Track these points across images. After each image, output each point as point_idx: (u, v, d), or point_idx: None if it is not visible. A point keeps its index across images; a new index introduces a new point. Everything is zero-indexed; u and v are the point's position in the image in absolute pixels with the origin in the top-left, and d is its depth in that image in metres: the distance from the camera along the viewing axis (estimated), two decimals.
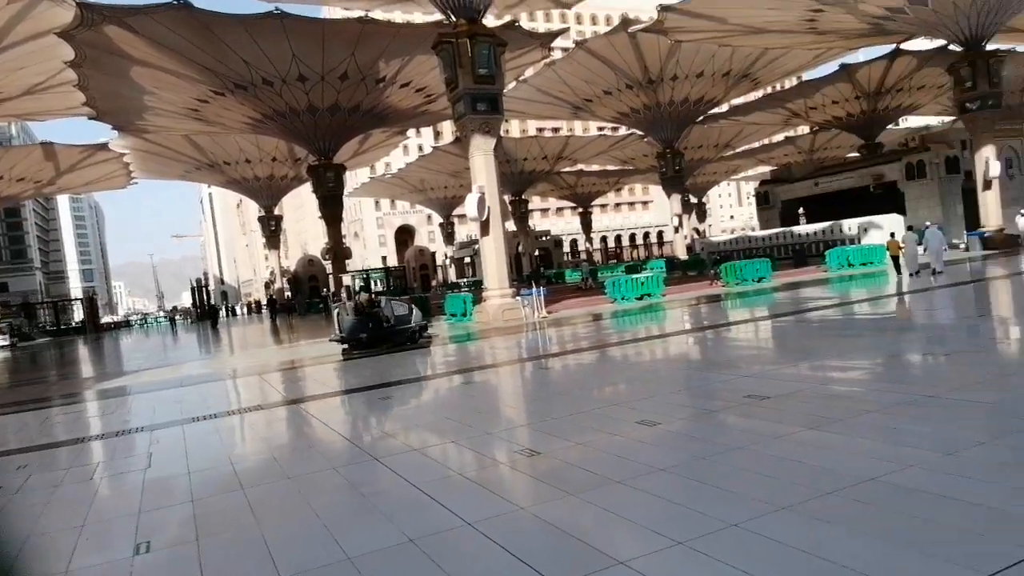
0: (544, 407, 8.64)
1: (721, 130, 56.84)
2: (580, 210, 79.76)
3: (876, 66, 43.94)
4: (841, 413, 6.34)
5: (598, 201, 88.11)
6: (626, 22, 37.24)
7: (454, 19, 22.08)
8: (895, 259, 23.37)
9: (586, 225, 79.66)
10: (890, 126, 54.01)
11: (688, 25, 34.06)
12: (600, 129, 71.61)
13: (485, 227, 21.93)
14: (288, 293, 56.38)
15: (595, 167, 73.01)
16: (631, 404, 7.86)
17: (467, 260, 68.29)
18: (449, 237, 75.93)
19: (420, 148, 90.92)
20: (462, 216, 57.62)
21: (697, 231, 72.09)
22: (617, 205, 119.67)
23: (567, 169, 67.27)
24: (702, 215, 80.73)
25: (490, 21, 27.56)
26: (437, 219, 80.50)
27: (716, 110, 50.62)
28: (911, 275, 21.76)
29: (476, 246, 46.23)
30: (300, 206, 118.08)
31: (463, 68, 21.40)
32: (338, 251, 40.05)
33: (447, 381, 11.90)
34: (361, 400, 10.51)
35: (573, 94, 44.97)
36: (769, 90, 55.30)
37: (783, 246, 41.67)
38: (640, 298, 23.91)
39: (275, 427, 9.22)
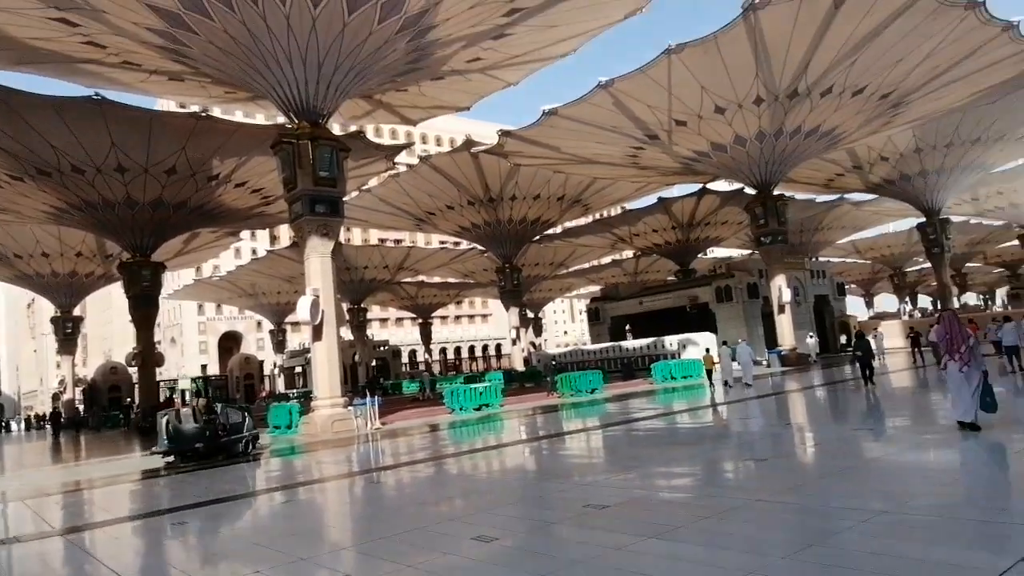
0: (371, 525, 7.70)
1: (556, 249, 60.41)
2: (420, 321, 79.48)
3: (687, 201, 49.67)
4: (679, 520, 6.19)
5: (438, 312, 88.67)
6: (469, 143, 39.23)
7: (296, 121, 21.79)
8: (709, 372, 25.23)
9: (426, 336, 79.26)
10: (700, 255, 60.62)
11: (526, 150, 36.54)
12: (442, 242, 73.37)
13: (318, 332, 20.73)
14: (81, 405, 49.09)
15: (436, 279, 73.88)
16: (467, 519, 7.22)
17: (298, 369, 64.42)
18: (280, 345, 71.63)
19: (254, 251, 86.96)
20: (296, 324, 54.89)
21: (534, 344, 74.26)
22: (457, 317, 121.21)
23: (408, 280, 67.37)
24: (538, 329, 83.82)
25: (335, 130, 27.67)
26: (268, 325, 76.03)
27: (551, 231, 53.98)
28: (725, 386, 23.48)
29: (308, 354, 44.13)
30: (107, 307, 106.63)
31: (303, 169, 20.91)
32: (147, 356, 35.86)
33: (267, 499, 10.46)
34: (154, 526, 8.82)
35: (416, 206, 45.82)
36: (599, 216, 60.36)
37: (613, 359, 43.86)
38: (479, 408, 23.51)
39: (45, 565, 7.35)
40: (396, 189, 43.73)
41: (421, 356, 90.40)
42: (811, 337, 32.20)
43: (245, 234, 72.46)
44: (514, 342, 50.74)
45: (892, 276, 78.87)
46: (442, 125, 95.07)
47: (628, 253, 68.34)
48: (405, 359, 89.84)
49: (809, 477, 8.13)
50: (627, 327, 50.88)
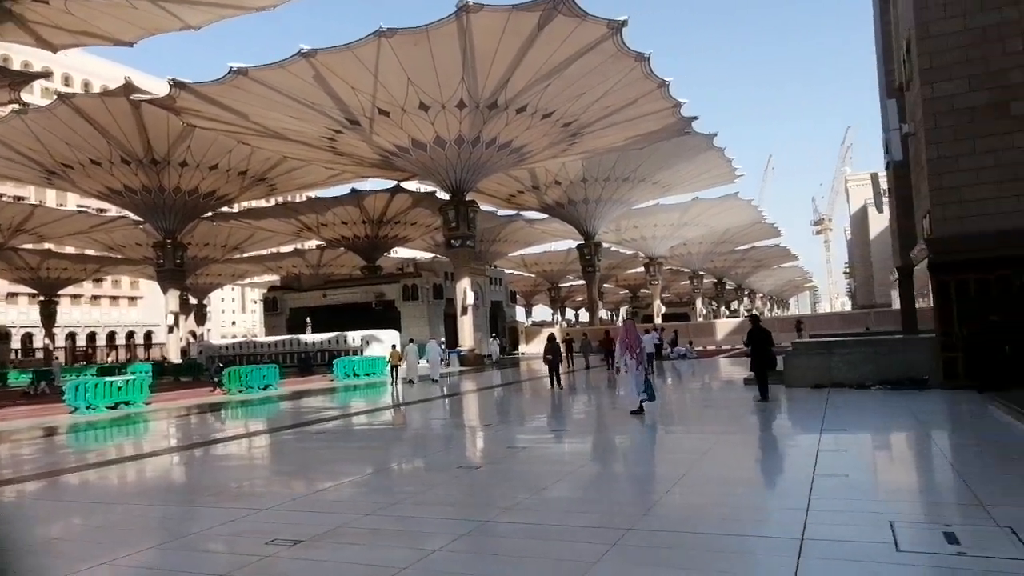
0: None
1: (231, 230, 54.31)
2: (42, 298, 64.13)
3: (381, 197, 48.83)
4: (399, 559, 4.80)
5: (70, 290, 73.08)
6: (130, 87, 32.58)
7: None
8: (394, 368, 24.69)
9: (48, 317, 63.89)
10: (386, 253, 60.43)
11: (205, 111, 31.64)
12: (81, 206, 60.62)
13: None
14: None
15: (70, 249, 60.83)
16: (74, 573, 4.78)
17: None
18: None
19: None
20: None
21: (194, 333, 65.92)
22: (96, 297, 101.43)
23: (29, 246, 54.09)
24: (202, 317, 74.82)
25: None
26: None
27: (228, 208, 48.26)
28: (410, 384, 23.13)
29: None
30: None
31: None
32: None
33: None
34: None
35: (49, 156, 36.70)
36: (286, 199, 56.06)
37: (291, 354, 40.74)
38: (115, 407, 18.99)
39: None
40: (21, 130, 34.44)
41: (40, 341, 73.13)
42: (494, 338, 33.82)
43: None
44: (171, 330, 43.96)
45: (550, 289, 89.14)
46: (97, 68, 78.68)
47: (313, 243, 64.94)
48: (16, 344, 72.57)
49: (478, 477, 7.48)
50: (308, 320, 47.95)
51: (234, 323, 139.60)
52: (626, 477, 7.92)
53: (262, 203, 57.47)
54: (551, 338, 19.46)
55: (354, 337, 38.99)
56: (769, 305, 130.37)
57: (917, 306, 22.66)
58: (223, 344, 49.87)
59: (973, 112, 12.45)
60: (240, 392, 23.06)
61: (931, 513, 5.56)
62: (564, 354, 28.30)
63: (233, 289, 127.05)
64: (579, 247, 53.52)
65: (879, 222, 60.70)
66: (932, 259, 12.66)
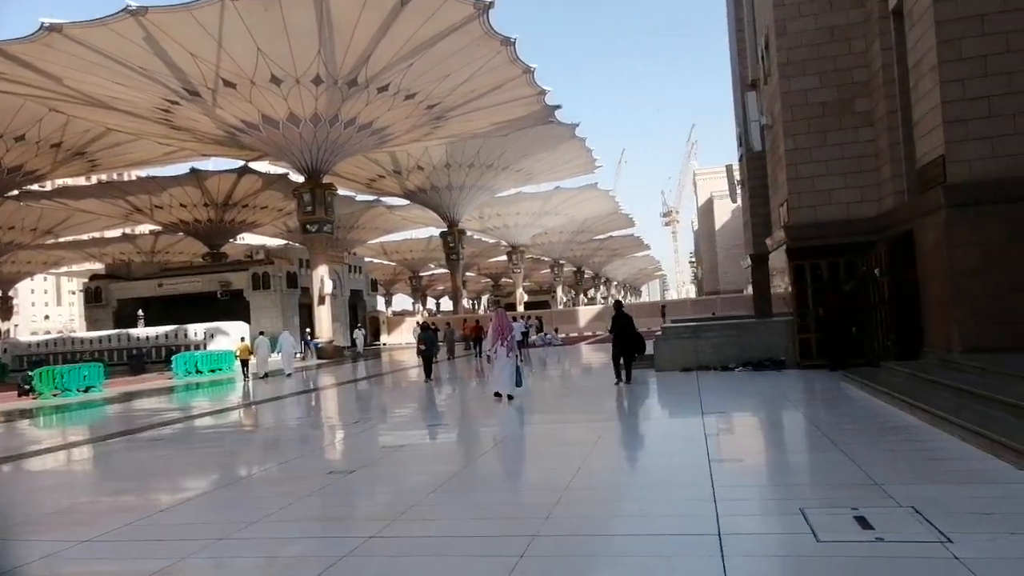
0: None
1: (43, 212, 47.46)
2: None
3: (226, 178, 44.89)
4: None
5: None
6: None
7: None
8: (244, 363, 23.01)
9: None
10: (232, 240, 55.95)
11: (9, 72, 27.06)
12: None
13: None
14: None
15: None
16: None
17: None
18: None
19: None
20: None
21: None
22: None
23: None
24: (8, 312, 65.41)
25: None
26: None
27: (38, 186, 42.12)
28: (261, 377, 22.19)
29: None
30: None
31: None
32: None
33: None
34: None
35: None
36: (112, 177, 49.93)
37: (120, 350, 36.39)
38: None
39: None
40: None
41: None
42: (359, 329, 32.16)
43: None
44: None
45: (411, 278, 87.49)
46: None
47: (146, 228, 58.66)
48: None
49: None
50: (140, 312, 43.17)
51: (47, 317, 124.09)
52: (518, 474, 7.35)
53: (81, 181, 50.80)
54: (425, 326, 18.37)
55: (196, 330, 35.63)
56: (623, 293, 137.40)
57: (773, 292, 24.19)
58: (34, 341, 43.72)
59: (824, 107, 13.23)
60: (55, 396, 19.97)
61: (834, 497, 5.47)
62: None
63: (46, 279, 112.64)
64: (442, 234, 52.67)
65: (724, 213, 65.37)
66: (789, 245, 13.33)
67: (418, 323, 27.73)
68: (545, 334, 33.72)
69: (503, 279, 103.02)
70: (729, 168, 21.51)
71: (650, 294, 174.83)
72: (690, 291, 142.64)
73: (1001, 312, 9.03)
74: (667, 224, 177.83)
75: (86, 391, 20.95)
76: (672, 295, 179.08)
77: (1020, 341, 8.62)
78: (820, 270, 13.27)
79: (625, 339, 12.80)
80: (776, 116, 14.13)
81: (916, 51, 10.23)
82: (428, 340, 17.20)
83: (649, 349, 16.12)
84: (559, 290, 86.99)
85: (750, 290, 25.08)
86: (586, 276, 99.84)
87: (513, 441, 9.17)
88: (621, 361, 12.87)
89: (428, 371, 17.18)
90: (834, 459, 6.49)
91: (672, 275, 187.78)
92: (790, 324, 13.83)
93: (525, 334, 33.24)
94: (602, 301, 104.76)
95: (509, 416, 10.59)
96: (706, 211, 67.54)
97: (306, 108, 29.70)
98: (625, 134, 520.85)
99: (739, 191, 20.97)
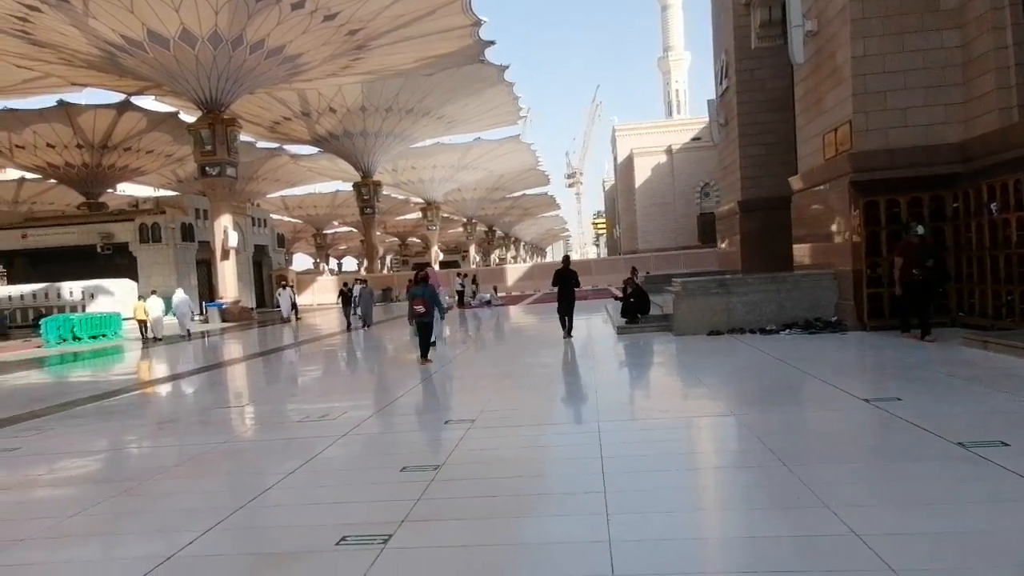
0: None
1: None
2: None
3: (103, 114, 38.62)
4: None
5: None
6: None
7: None
8: (142, 324, 19.52)
9: None
10: (112, 190, 49.25)
11: None
12: None
13: None
14: None
15: None
16: None
17: None
18: None
19: None
20: None
21: None
22: None
23: None
24: None
25: None
26: None
27: None
28: (154, 340, 20.05)
29: None
30: None
31: None
32: None
33: None
34: None
35: None
36: None
37: None
38: None
39: None
40: None
41: None
42: (286, 288, 28.03)
43: None
44: None
45: (315, 235, 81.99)
46: None
47: (9, 175, 50.65)
48: None
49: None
50: (1, 268, 36.94)
51: None
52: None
53: None
54: (419, 279, 12.15)
55: (72, 289, 30.53)
56: (530, 253, 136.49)
57: (721, 247, 22.26)
58: None
59: (903, 3, 10.79)
60: None
61: None
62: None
63: None
64: (355, 186, 48.46)
65: (645, 170, 64.42)
66: (855, 177, 11.01)
67: (346, 283, 24.18)
68: (482, 294, 31.19)
69: (409, 238, 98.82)
70: (711, 103, 19.58)
71: (554, 255, 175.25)
72: (591, 252, 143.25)
73: None
74: (570, 186, 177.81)
75: None
76: (575, 256, 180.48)
77: None
78: (898, 207, 10.95)
79: (568, 293, 13.24)
80: (833, 17, 11.67)
81: None
82: (429, 298, 11.47)
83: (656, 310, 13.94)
84: (472, 249, 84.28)
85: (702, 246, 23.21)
86: (497, 236, 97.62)
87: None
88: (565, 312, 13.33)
89: (425, 350, 11.64)
90: None
91: (576, 236, 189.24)
92: (849, 276, 11.36)
93: (460, 293, 30.76)
94: (512, 261, 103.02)
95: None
96: (626, 167, 66.26)
97: (204, 23, 25.10)
98: (532, 92, 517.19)
99: (719, 129, 18.96)
